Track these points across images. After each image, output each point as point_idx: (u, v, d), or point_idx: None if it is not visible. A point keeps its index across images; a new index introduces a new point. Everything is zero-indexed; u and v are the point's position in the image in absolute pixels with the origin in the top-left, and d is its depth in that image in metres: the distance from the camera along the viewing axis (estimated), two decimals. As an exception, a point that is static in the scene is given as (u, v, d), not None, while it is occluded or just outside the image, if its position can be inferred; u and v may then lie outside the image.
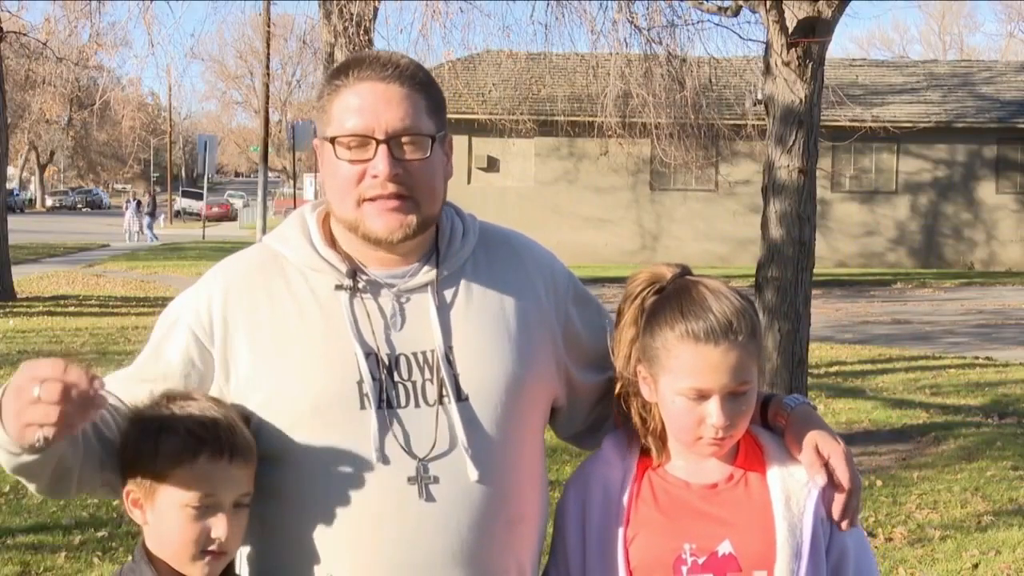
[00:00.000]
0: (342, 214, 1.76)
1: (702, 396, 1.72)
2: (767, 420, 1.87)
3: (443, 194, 1.81)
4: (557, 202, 27.30)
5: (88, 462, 1.66)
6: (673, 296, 1.78)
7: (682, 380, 1.73)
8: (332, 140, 1.72)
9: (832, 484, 1.77)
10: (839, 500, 1.77)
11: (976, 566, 5.21)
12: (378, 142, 1.70)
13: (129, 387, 1.79)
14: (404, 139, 1.72)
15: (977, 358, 12.12)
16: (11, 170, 53.32)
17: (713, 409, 1.72)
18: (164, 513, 1.68)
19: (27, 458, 1.53)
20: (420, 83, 1.76)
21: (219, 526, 1.67)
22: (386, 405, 1.73)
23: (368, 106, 1.71)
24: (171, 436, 1.67)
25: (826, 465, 1.77)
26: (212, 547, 1.67)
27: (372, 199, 1.72)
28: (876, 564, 1.91)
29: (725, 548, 1.75)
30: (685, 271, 1.83)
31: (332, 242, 1.82)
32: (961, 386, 10.19)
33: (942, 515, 6.03)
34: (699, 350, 1.71)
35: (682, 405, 1.74)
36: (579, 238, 26.88)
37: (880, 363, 11.87)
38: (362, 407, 1.72)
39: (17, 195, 55.21)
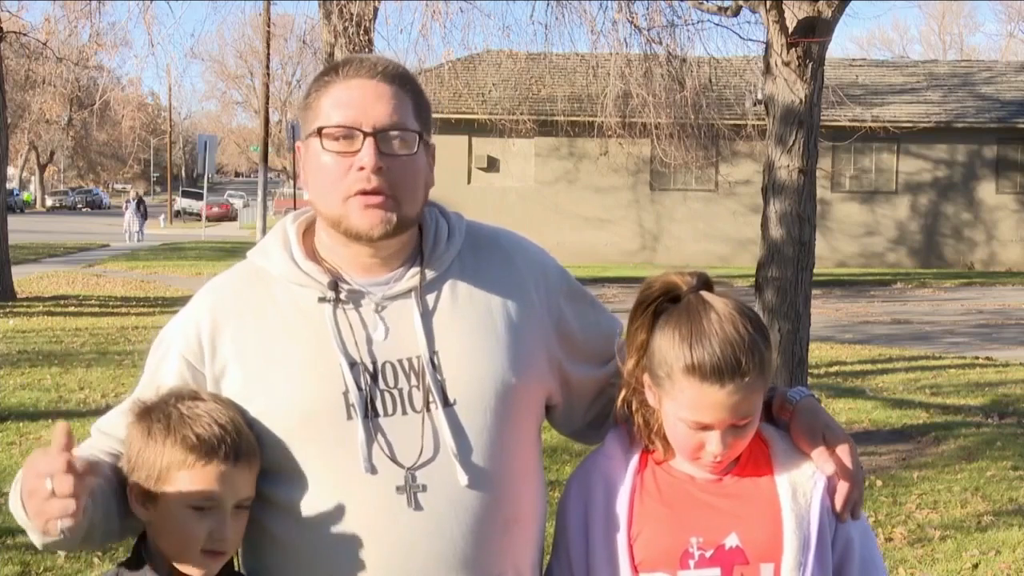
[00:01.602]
0: (327, 210, 1.75)
1: (703, 428, 1.72)
2: (771, 413, 1.87)
3: (423, 199, 1.80)
4: (557, 202, 27.31)
5: (107, 516, 1.70)
6: (683, 317, 1.74)
7: (684, 411, 1.72)
8: (320, 131, 1.73)
9: (837, 475, 1.77)
10: (842, 491, 1.77)
11: (976, 566, 5.21)
12: (365, 135, 1.71)
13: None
14: (392, 134, 1.72)
15: (977, 358, 12.12)
16: (11, 170, 53.31)
17: (713, 440, 1.71)
18: (166, 511, 1.69)
19: (55, 539, 1.63)
20: (408, 85, 1.78)
21: (220, 527, 1.68)
22: (372, 414, 1.72)
23: (357, 100, 1.72)
24: (179, 439, 1.67)
25: (832, 456, 1.77)
26: (211, 547, 1.68)
27: (356, 195, 1.71)
28: (881, 557, 1.90)
29: (732, 541, 1.75)
30: (701, 283, 1.78)
31: (313, 254, 1.82)
32: (961, 386, 10.19)
33: (942, 515, 6.02)
34: (703, 389, 1.69)
35: (683, 430, 1.74)
36: (579, 238, 26.89)
37: (880, 363, 11.86)
38: (348, 417, 1.71)
39: (17, 195, 55.16)
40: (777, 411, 1.86)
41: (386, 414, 1.73)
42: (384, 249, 1.77)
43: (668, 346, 1.73)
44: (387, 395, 1.73)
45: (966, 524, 5.85)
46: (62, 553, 5.09)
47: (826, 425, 1.81)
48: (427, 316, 1.77)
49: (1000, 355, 12.34)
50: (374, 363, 1.74)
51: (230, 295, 1.82)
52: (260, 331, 1.77)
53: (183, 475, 1.67)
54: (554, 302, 1.88)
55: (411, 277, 1.78)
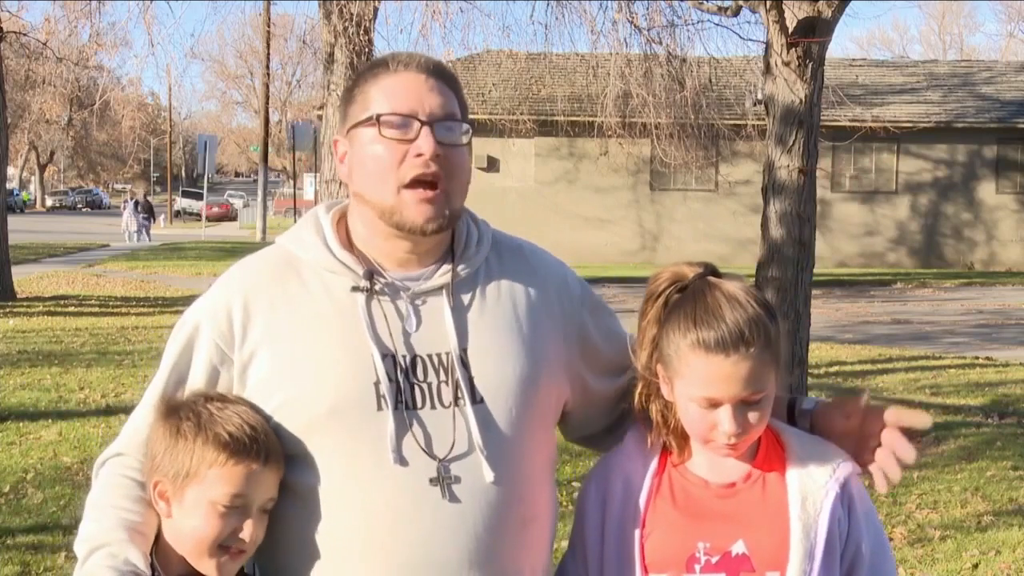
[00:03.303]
0: (378, 199, 1.75)
1: (714, 404, 1.72)
2: (793, 418, 1.89)
3: (466, 195, 1.83)
4: (557, 202, 27.30)
5: None
6: (689, 300, 1.76)
7: (694, 388, 1.73)
8: (378, 118, 1.74)
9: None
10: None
11: (976, 566, 5.22)
12: (422, 123, 1.73)
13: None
14: (446, 124, 1.75)
15: (977, 358, 12.12)
16: (11, 170, 53.32)
17: (724, 417, 1.71)
18: (191, 508, 1.69)
19: None
20: (453, 83, 1.82)
21: (246, 527, 1.69)
22: (403, 407, 1.73)
23: (412, 91, 1.76)
24: (211, 436, 1.68)
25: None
26: (232, 545, 1.69)
27: (411, 185, 1.73)
28: (894, 568, 1.88)
29: (739, 548, 1.76)
30: (708, 271, 1.80)
31: (348, 243, 1.82)
32: (961, 386, 10.19)
33: (942, 515, 6.03)
34: (710, 360, 1.70)
35: (695, 411, 1.74)
36: (579, 238, 26.88)
37: (880, 363, 11.86)
38: (379, 408, 1.71)
39: (16, 195, 55.12)
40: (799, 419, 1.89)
41: (416, 407, 1.74)
42: (423, 244, 1.79)
43: (675, 327, 1.75)
44: (417, 388, 1.74)
45: (966, 524, 5.86)
46: (62, 553, 5.09)
47: (846, 413, 1.86)
48: (458, 313, 1.79)
49: (1000, 355, 12.34)
50: (406, 356, 1.75)
51: (260, 280, 1.81)
52: (291, 318, 1.77)
53: (214, 473, 1.67)
54: (577, 314, 1.90)
55: (443, 274, 1.80)
